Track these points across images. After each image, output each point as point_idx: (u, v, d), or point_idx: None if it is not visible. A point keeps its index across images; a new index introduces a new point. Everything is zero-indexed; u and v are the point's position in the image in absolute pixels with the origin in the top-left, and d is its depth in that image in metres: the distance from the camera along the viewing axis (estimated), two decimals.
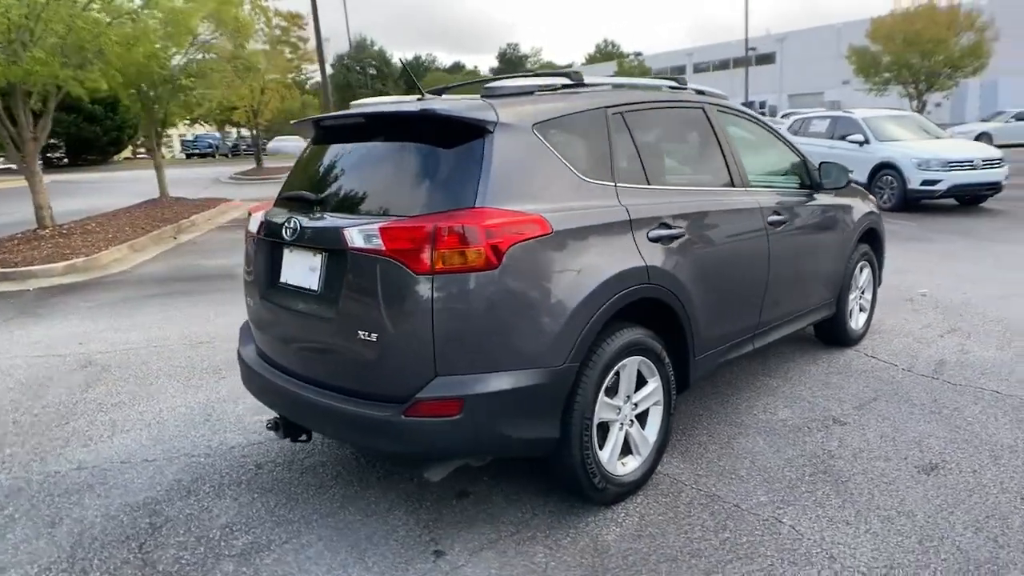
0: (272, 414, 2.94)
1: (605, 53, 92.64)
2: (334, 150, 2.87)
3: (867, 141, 11.40)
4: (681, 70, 60.48)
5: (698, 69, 58.82)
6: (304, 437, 2.93)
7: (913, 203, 10.80)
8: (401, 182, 2.55)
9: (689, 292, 2.91)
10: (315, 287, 2.60)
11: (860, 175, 11.32)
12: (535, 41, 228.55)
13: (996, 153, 10.84)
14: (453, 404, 2.27)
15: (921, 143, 11.21)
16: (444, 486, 2.97)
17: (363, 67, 69.23)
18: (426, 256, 2.24)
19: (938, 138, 11.79)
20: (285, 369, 2.77)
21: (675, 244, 2.89)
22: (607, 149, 2.80)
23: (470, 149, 2.39)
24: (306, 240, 2.60)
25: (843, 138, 11.88)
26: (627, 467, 2.81)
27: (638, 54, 63.09)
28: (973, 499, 2.73)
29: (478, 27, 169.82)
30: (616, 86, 3.13)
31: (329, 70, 24.46)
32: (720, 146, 3.45)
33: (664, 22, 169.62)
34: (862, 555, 2.40)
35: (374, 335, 2.36)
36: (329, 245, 2.52)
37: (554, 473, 2.72)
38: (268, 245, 2.87)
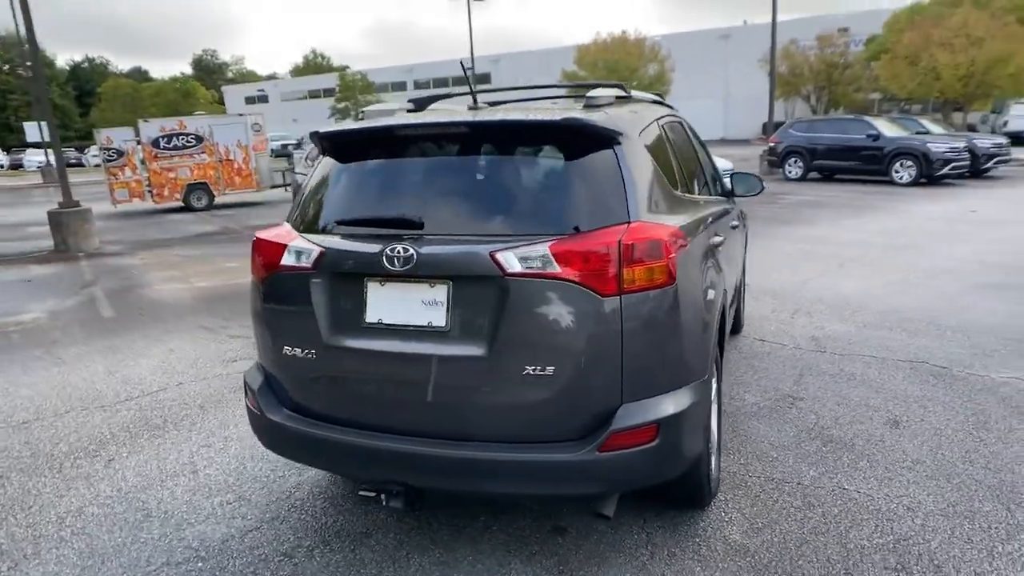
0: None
1: (315, 65, 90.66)
2: (413, 164, 2.51)
3: None
4: (402, 86, 61.94)
5: (418, 85, 60.85)
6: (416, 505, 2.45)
7: None
8: (528, 197, 2.35)
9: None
10: (440, 323, 2.26)
11: None
12: (234, 48, 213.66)
13: None
14: (648, 431, 2.19)
15: None
16: (536, 527, 2.80)
17: (12, 67, 57.86)
18: (613, 275, 2.13)
19: None
20: (390, 428, 2.35)
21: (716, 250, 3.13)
22: (671, 159, 2.93)
23: (605, 160, 2.32)
24: (420, 270, 2.25)
25: None
26: (714, 467, 2.96)
27: (347, 68, 63.09)
28: (944, 438, 3.46)
29: (165, 32, 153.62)
30: (638, 98, 3.26)
31: None
32: (698, 156, 3.81)
33: (366, 37, 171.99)
34: (920, 497, 2.90)
35: (549, 368, 2.16)
36: (461, 272, 2.22)
37: (678, 488, 2.71)
38: (338, 280, 2.40)
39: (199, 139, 17.24)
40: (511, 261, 2.15)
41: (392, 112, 3.24)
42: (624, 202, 2.26)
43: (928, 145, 15.92)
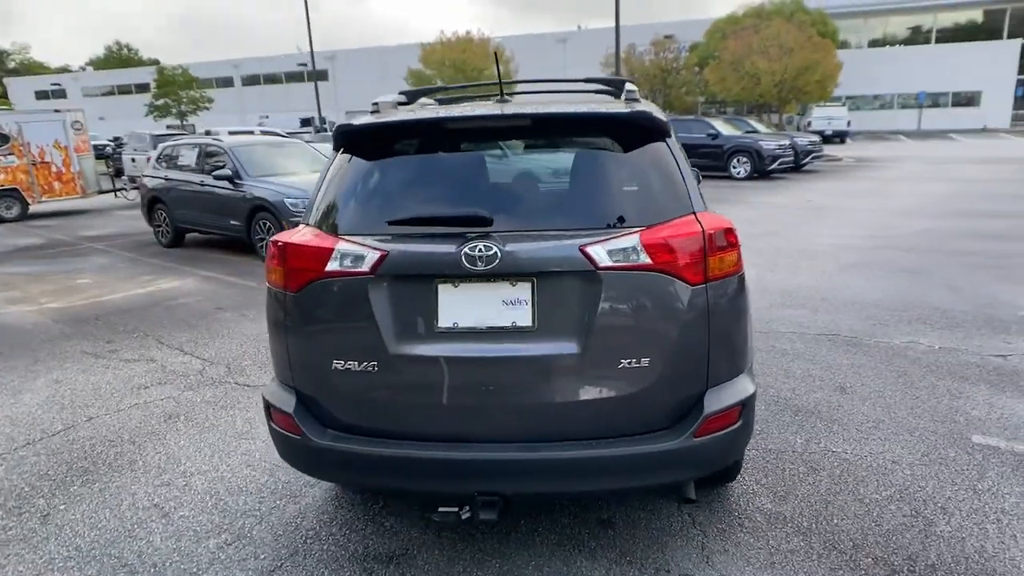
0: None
1: (120, 57, 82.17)
2: (468, 158, 2.40)
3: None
4: (229, 81, 57.88)
5: (246, 81, 57.25)
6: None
7: None
8: (595, 190, 2.34)
9: None
10: (526, 323, 2.19)
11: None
12: (12, 36, 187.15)
13: None
14: (734, 412, 2.28)
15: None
16: (581, 523, 2.80)
17: None
18: (700, 264, 2.20)
19: None
20: (471, 436, 2.24)
21: None
22: None
23: (662, 153, 2.37)
24: (503, 268, 2.16)
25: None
26: None
27: (158, 61, 57.95)
28: (888, 398, 3.93)
29: None
30: None
31: None
32: None
33: (176, 28, 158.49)
34: (897, 452, 3.29)
35: (644, 360, 2.17)
36: (548, 268, 2.17)
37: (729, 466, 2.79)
38: (401, 284, 2.24)
39: (4, 138, 14.92)
40: (602, 254, 2.14)
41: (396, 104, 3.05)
42: (686, 194, 2.34)
43: (760, 143, 17.82)
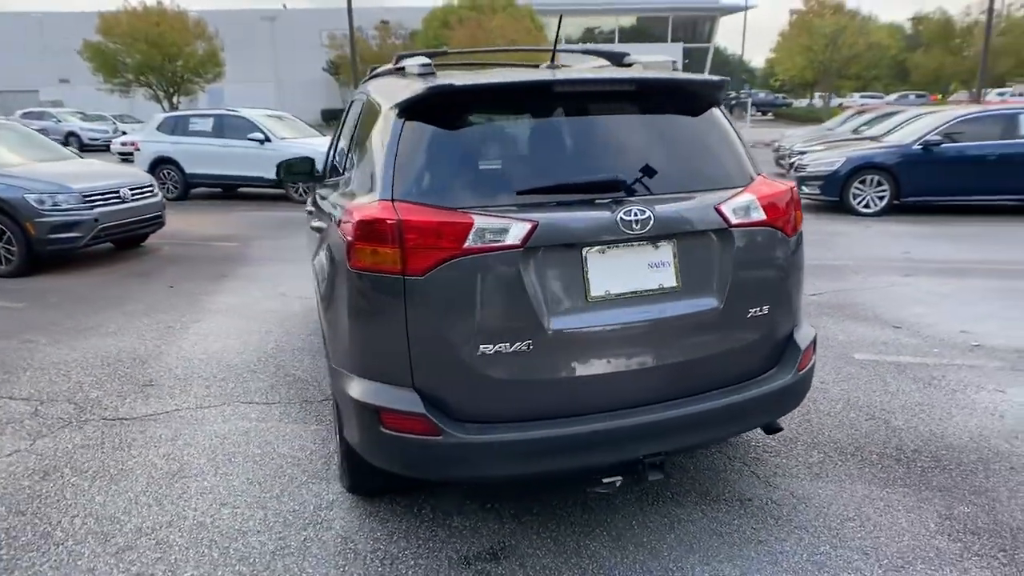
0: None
1: None
2: (577, 122, 2.32)
3: (268, 139, 12.28)
4: None
5: None
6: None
7: None
8: (690, 153, 2.46)
9: None
10: (671, 283, 2.24)
11: (269, 172, 12.12)
12: None
13: None
14: (812, 347, 2.62)
15: (320, 140, 12.96)
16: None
17: None
18: (790, 218, 2.48)
19: (317, 136, 13.79)
20: (625, 403, 2.22)
21: None
22: None
23: (724, 119, 2.60)
24: (651, 231, 2.19)
25: (237, 137, 12.38)
26: None
27: None
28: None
29: None
30: None
31: None
32: None
33: None
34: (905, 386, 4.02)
35: (765, 308, 2.39)
36: (688, 228, 2.26)
37: None
38: (549, 255, 2.12)
39: None
40: (731, 213, 2.30)
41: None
42: (749, 157, 2.60)
43: None
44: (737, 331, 2.37)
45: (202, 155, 12.58)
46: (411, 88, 2.28)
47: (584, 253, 2.17)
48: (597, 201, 2.19)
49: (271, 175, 11.77)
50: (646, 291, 2.24)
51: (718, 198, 2.33)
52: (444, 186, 2.19)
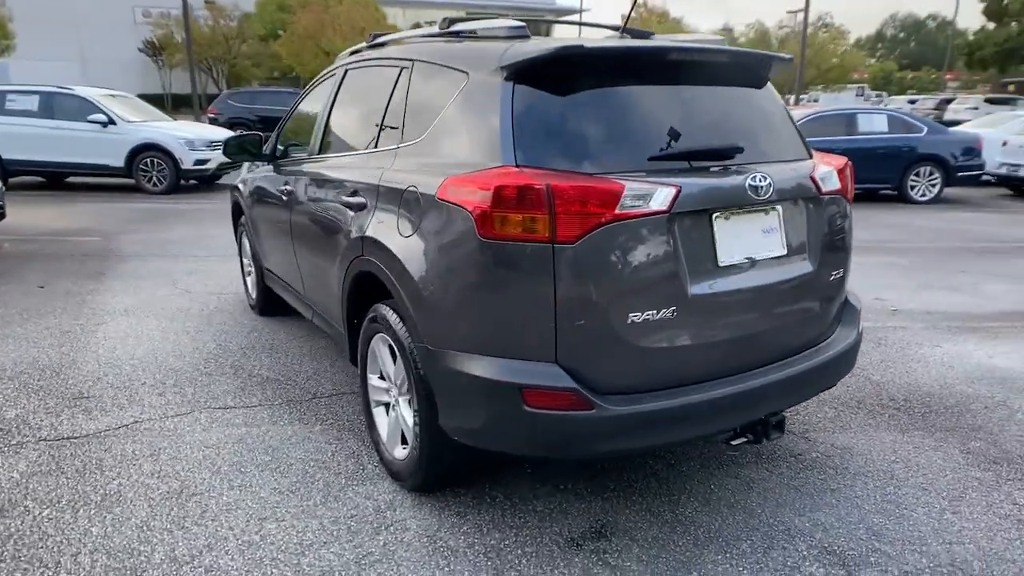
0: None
1: None
2: (685, 92, 2.29)
3: (112, 122, 10.90)
4: None
5: None
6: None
7: (185, 183, 11.34)
8: (768, 123, 2.54)
9: None
10: (779, 250, 2.32)
11: (114, 159, 10.90)
12: None
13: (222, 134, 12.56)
14: (860, 309, 2.83)
15: (173, 124, 11.70)
16: (711, 441, 3.02)
17: None
18: (848, 187, 2.65)
19: (168, 119, 12.44)
20: (743, 366, 2.26)
21: None
22: None
23: (778, 96, 2.74)
24: (768, 197, 2.24)
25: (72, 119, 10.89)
26: None
27: None
28: None
29: None
30: None
31: None
32: None
33: None
34: None
35: (840, 270, 2.55)
36: (793, 195, 2.34)
37: None
38: (686, 220, 2.10)
39: None
40: (823, 181, 2.42)
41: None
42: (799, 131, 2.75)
43: None
44: (823, 293, 2.50)
45: (23, 138, 10.83)
46: (522, 50, 2.13)
47: (713, 219, 2.17)
48: (729, 167, 2.21)
49: (118, 162, 10.78)
50: (761, 257, 2.28)
51: (807, 167, 2.44)
52: (570, 152, 2.07)
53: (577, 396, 2.00)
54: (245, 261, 5.12)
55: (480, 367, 2.08)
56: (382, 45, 3.26)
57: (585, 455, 2.44)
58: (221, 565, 2.26)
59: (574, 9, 42.90)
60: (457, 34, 2.68)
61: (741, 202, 2.20)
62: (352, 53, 3.57)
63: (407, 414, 2.55)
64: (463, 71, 2.33)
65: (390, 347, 2.62)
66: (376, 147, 2.82)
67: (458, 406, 2.21)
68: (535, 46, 2.16)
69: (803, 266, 2.41)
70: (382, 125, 2.81)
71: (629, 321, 2.03)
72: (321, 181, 3.23)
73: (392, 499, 2.64)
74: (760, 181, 2.21)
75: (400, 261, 2.32)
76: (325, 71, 3.78)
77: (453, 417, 2.25)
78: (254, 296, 4.93)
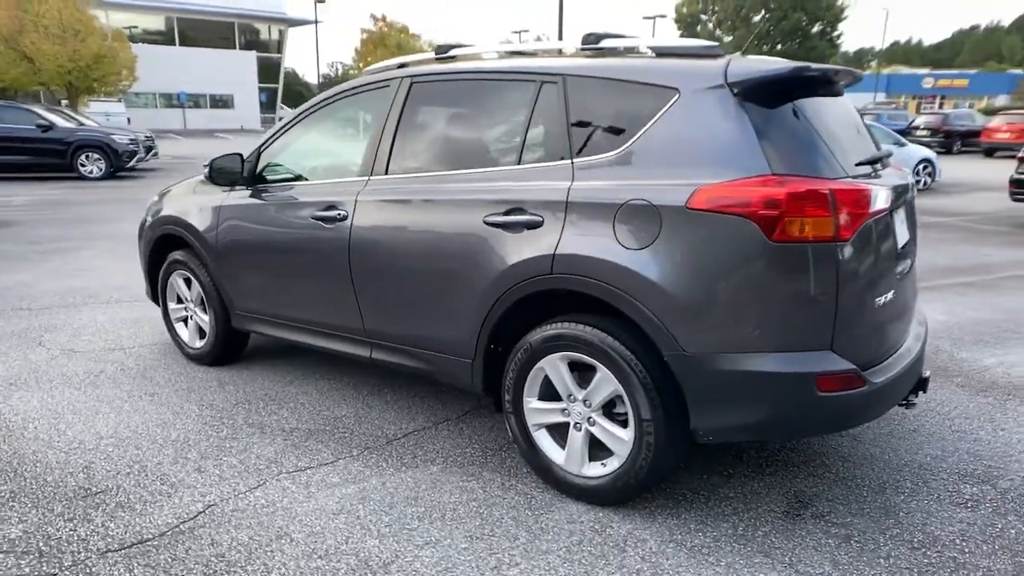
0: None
1: None
2: (830, 104, 2.61)
3: None
4: None
5: None
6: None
7: None
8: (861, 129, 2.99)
9: None
10: (906, 237, 2.77)
11: None
12: None
13: None
14: None
15: None
16: None
17: None
18: None
19: None
20: (901, 340, 2.67)
21: None
22: None
23: None
24: (905, 196, 2.72)
25: None
26: None
27: None
28: None
29: None
30: None
31: None
32: None
33: None
34: None
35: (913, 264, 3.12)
36: (908, 194, 2.82)
37: None
38: (888, 217, 2.48)
39: None
40: (912, 180, 2.97)
41: None
42: None
43: (112, 138, 16.01)
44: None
45: None
46: (752, 68, 2.31)
47: (893, 213, 2.56)
48: (879, 170, 2.63)
49: None
50: (904, 245, 2.73)
51: (898, 165, 2.97)
52: (802, 160, 2.29)
53: (856, 376, 2.25)
54: (174, 306, 4.34)
55: (767, 363, 2.21)
56: (453, 58, 3.12)
57: (854, 426, 2.64)
58: None
59: (308, 20, 41.57)
60: (608, 50, 2.75)
61: (900, 199, 2.64)
62: (400, 66, 3.31)
63: (615, 429, 2.54)
64: (671, 87, 2.41)
65: (571, 364, 2.59)
66: (520, 163, 2.72)
67: (731, 404, 2.30)
68: (761, 65, 2.34)
69: (911, 253, 2.90)
70: (525, 140, 2.73)
71: (876, 304, 2.34)
72: (419, 202, 2.97)
73: (598, 516, 2.60)
74: (919, 180, 2.68)
75: (635, 273, 2.33)
76: (351, 87, 3.42)
77: (719, 417, 2.33)
78: (198, 345, 4.21)
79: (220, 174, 3.61)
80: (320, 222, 3.27)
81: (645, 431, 2.42)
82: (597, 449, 2.65)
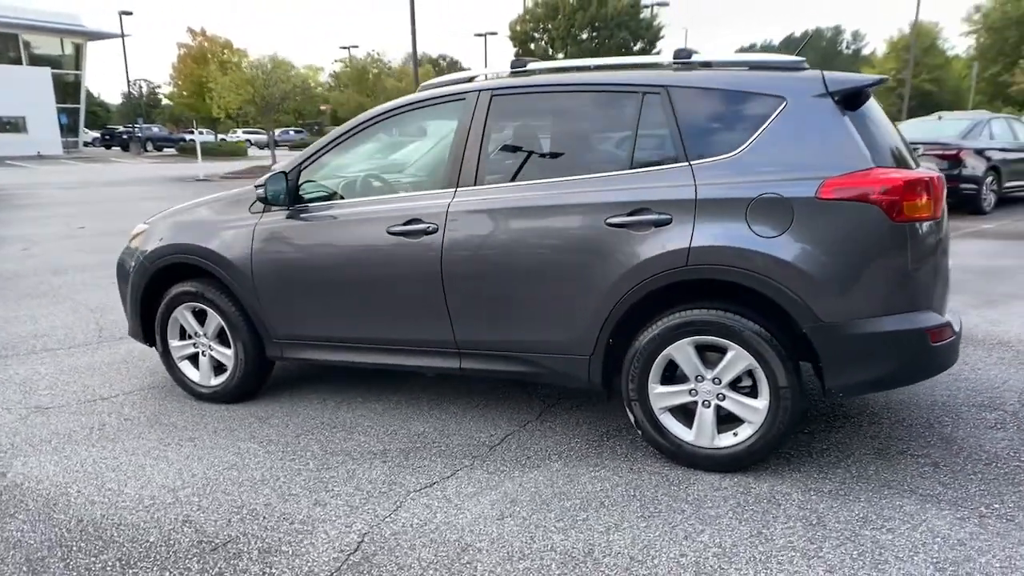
0: None
1: None
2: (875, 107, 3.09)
3: None
4: None
5: None
6: None
7: None
8: None
9: None
10: None
11: None
12: None
13: None
14: None
15: None
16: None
17: None
18: None
19: None
20: None
21: None
22: None
23: None
24: None
25: None
26: None
27: None
28: None
29: None
30: None
31: None
32: None
33: None
34: None
35: None
36: None
37: None
38: None
39: None
40: None
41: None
42: None
43: None
44: None
45: None
46: (846, 79, 2.73)
47: None
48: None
49: None
50: None
51: None
52: (884, 154, 2.76)
53: (949, 327, 2.74)
54: (177, 343, 3.98)
55: (892, 324, 2.63)
56: (529, 72, 3.27)
57: (947, 368, 2.93)
58: None
59: (112, 33, 37.70)
60: (697, 63, 3.07)
61: None
62: (469, 80, 3.38)
63: (747, 400, 2.83)
64: (778, 96, 2.76)
65: (698, 348, 2.86)
66: (633, 167, 2.94)
67: (862, 363, 2.69)
68: (850, 76, 2.77)
69: None
70: (634, 146, 2.95)
71: (948, 268, 2.85)
72: (529, 210, 3.06)
73: (736, 481, 2.86)
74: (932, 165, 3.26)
75: (774, 257, 2.65)
76: (410, 102, 3.41)
77: (850, 374, 2.71)
78: (215, 382, 3.91)
79: (276, 197, 3.43)
80: (402, 237, 3.24)
81: (783, 397, 2.75)
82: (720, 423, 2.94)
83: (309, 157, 3.57)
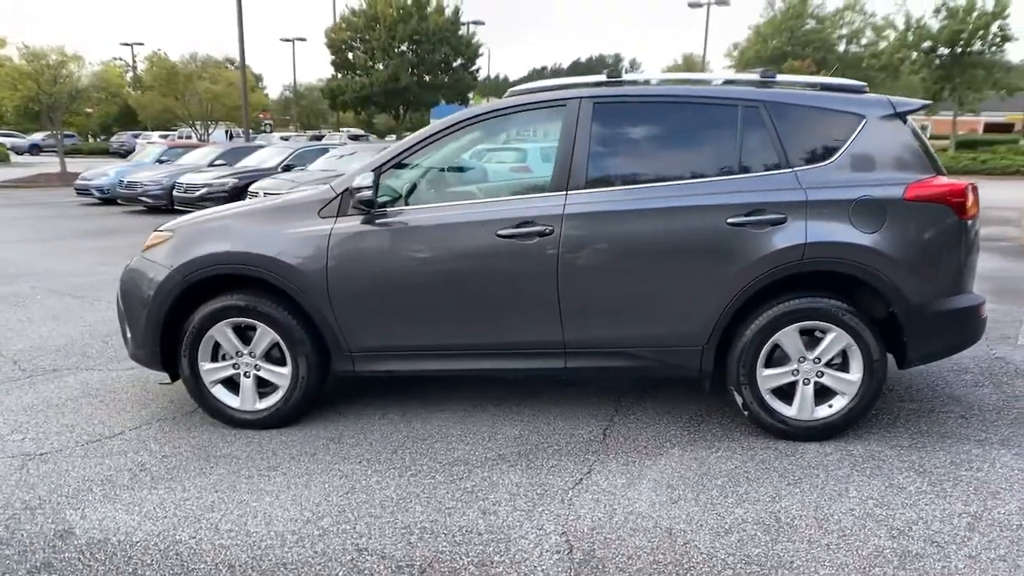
0: None
1: None
2: None
3: None
4: None
5: None
6: None
7: None
8: None
9: None
10: None
11: None
12: None
13: None
14: None
15: None
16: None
17: None
18: None
19: None
20: None
21: None
22: None
23: None
24: None
25: None
26: None
27: None
28: None
29: None
30: None
31: None
32: None
33: None
34: None
35: None
36: None
37: None
38: None
39: None
40: None
41: None
42: None
43: None
44: None
45: None
46: (907, 101, 3.31)
47: None
48: None
49: None
50: None
51: None
52: (937, 164, 3.36)
53: (984, 304, 3.41)
54: (210, 366, 3.54)
55: (961, 302, 3.24)
56: (624, 83, 3.48)
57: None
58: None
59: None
60: (780, 82, 3.47)
61: None
62: (569, 87, 3.46)
63: (841, 375, 3.28)
64: (859, 114, 3.25)
65: (802, 331, 3.26)
66: (742, 172, 3.25)
67: (938, 335, 3.24)
68: (907, 99, 3.34)
69: None
70: (741, 154, 3.27)
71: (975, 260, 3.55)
72: (651, 211, 3.23)
73: (836, 447, 3.28)
74: None
75: (875, 250, 3.12)
76: (502, 107, 3.41)
77: (929, 345, 3.26)
78: (261, 406, 3.55)
79: (368, 201, 3.23)
80: (514, 239, 3.24)
81: (876, 370, 3.24)
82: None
83: (386, 162, 3.41)
